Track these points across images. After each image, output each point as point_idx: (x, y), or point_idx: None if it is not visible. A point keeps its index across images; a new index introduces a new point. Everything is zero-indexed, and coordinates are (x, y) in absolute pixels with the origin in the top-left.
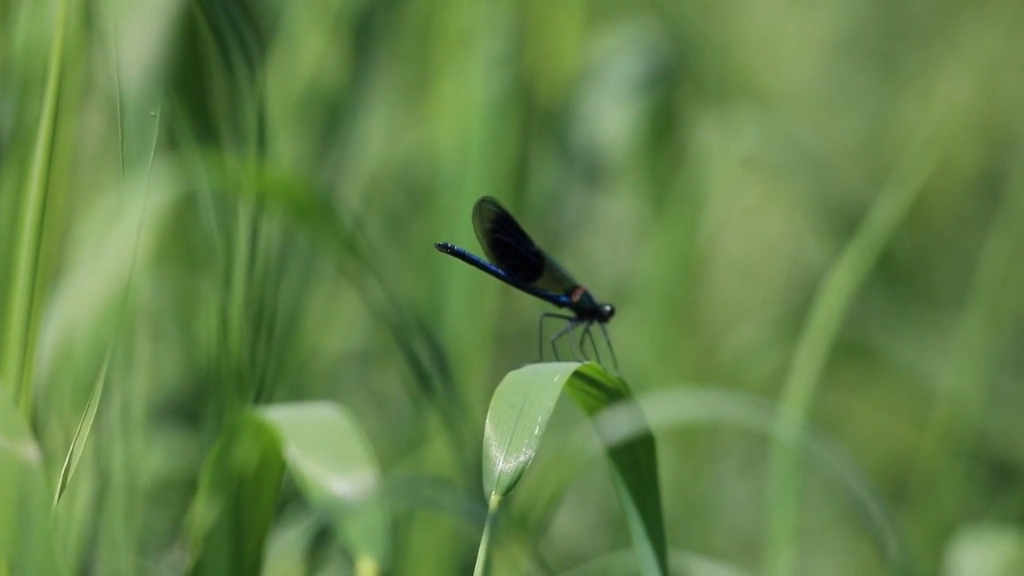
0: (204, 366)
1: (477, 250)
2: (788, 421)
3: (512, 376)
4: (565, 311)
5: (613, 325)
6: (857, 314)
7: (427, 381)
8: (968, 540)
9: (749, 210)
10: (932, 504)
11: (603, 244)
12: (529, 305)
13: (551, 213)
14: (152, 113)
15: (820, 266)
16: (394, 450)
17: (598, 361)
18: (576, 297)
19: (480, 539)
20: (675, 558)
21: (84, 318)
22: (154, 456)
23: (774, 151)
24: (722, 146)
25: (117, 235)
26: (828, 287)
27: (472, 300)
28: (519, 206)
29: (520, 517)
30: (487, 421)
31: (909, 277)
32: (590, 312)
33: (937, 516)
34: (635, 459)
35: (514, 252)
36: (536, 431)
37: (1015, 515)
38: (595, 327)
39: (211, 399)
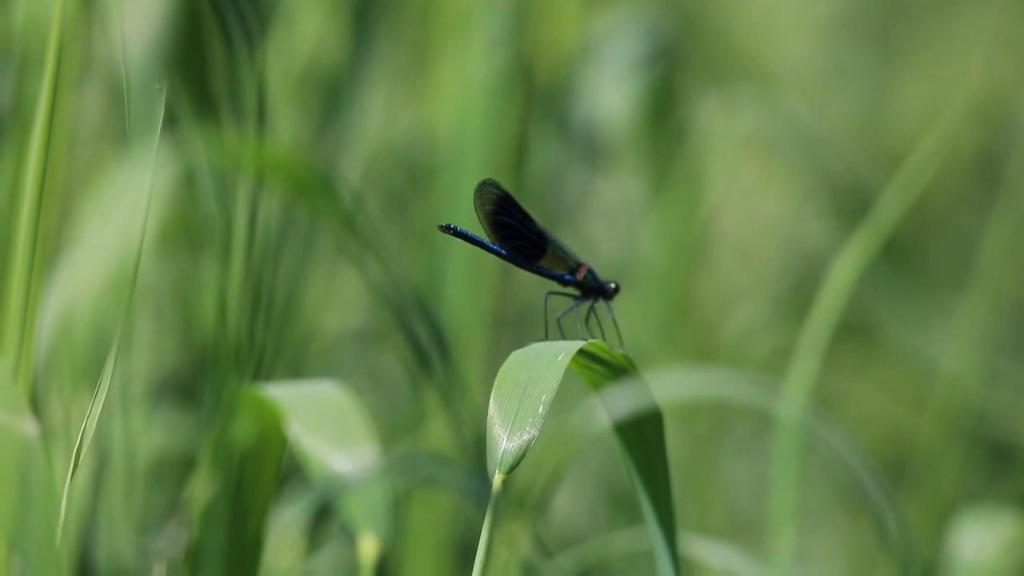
0: (204, 344)
1: (478, 230)
2: (790, 401)
3: (516, 355)
4: (570, 289)
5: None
6: (858, 295)
7: (426, 360)
8: (967, 520)
9: (747, 190)
10: (931, 484)
11: (602, 224)
12: (529, 285)
13: (551, 193)
14: (157, 87)
15: (818, 246)
16: (392, 429)
17: (603, 339)
18: (580, 275)
19: (478, 518)
20: None
21: (85, 295)
22: (154, 434)
23: (772, 131)
24: (721, 126)
25: (120, 212)
26: (835, 271)
27: (471, 279)
28: (519, 186)
29: (520, 496)
30: (491, 400)
31: (909, 258)
32: (595, 290)
33: (936, 496)
34: (643, 434)
35: (517, 233)
36: (540, 410)
37: (1014, 495)
38: (600, 304)
39: (210, 376)
